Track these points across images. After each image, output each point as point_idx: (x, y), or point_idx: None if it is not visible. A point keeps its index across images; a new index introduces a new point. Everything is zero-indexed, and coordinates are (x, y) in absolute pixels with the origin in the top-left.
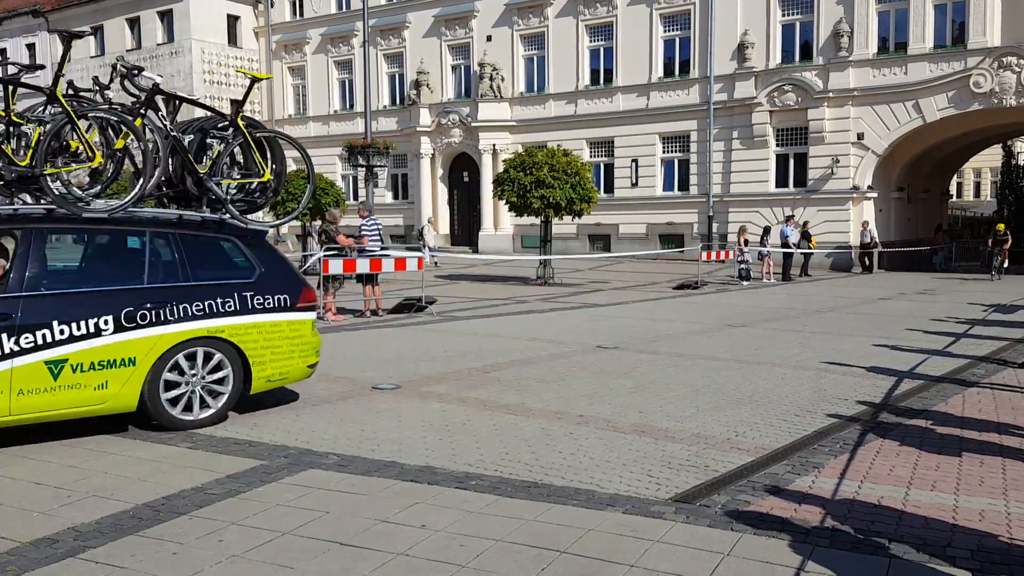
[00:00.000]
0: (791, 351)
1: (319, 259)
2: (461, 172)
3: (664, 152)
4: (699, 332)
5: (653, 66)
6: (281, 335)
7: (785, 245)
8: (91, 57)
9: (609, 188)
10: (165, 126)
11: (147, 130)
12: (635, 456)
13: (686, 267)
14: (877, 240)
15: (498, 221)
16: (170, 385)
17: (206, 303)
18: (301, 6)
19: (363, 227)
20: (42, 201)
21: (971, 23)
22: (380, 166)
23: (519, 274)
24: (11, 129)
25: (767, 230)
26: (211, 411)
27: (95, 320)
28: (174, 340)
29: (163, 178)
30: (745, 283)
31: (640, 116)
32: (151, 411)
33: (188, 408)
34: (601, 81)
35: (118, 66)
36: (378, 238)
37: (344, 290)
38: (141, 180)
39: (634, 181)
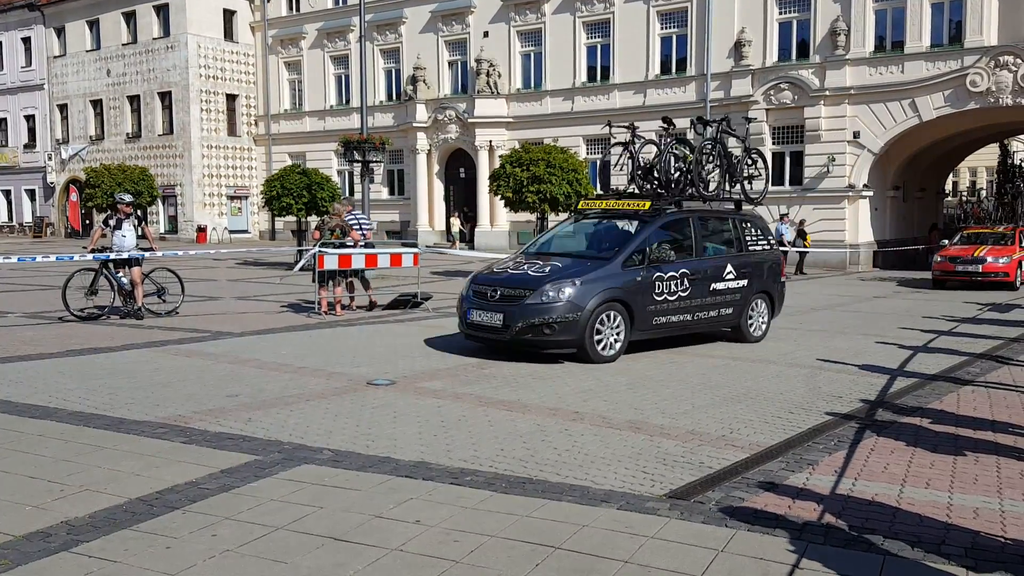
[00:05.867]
0: (786, 348)
1: (314, 255)
2: (457, 168)
3: None
4: None
5: (650, 63)
6: None
7: (780, 243)
8: (87, 51)
9: (605, 185)
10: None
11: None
12: (630, 452)
13: None
14: None
15: (494, 218)
16: None
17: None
18: (298, 1)
19: (358, 223)
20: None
21: (968, 22)
22: (376, 162)
23: None
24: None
25: None
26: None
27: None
28: None
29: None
30: None
31: (637, 113)
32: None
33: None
34: (598, 78)
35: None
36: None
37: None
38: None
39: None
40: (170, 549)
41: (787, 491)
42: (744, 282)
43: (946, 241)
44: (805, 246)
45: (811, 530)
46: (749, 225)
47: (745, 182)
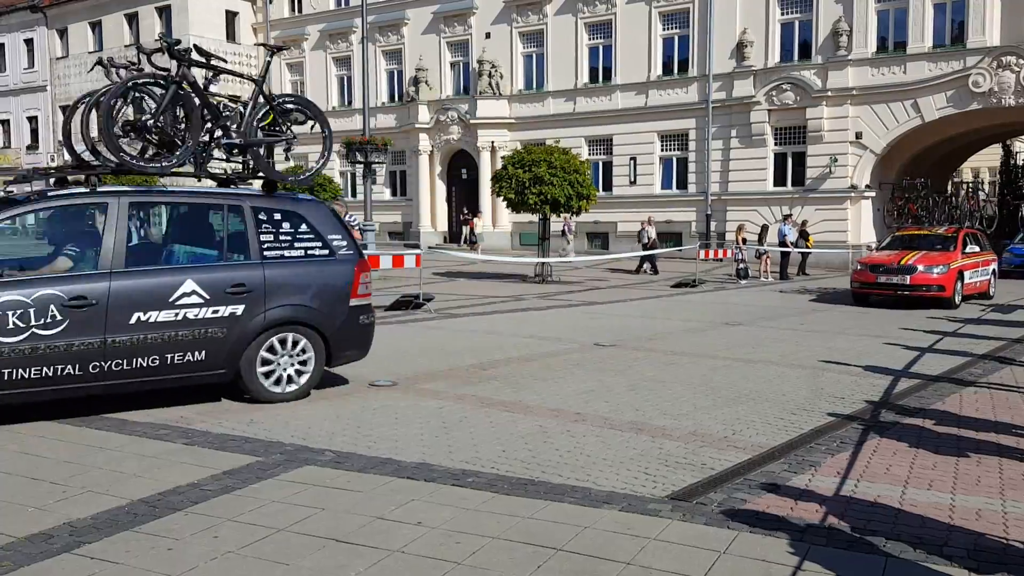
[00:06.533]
0: (788, 349)
1: None
2: (459, 169)
3: (662, 150)
4: (696, 330)
5: (652, 64)
6: None
7: (783, 244)
8: (89, 52)
9: (607, 186)
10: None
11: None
12: (632, 454)
13: (684, 265)
14: (655, 239)
15: (496, 219)
16: None
17: None
18: (300, 2)
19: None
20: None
21: (970, 22)
22: (378, 163)
23: (517, 271)
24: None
25: (765, 229)
26: None
27: None
28: None
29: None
30: (743, 282)
31: (639, 114)
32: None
33: None
34: (600, 79)
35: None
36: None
37: None
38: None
39: (632, 179)
40: (172, 550)
41: (789, 493)
42: (239, 308)
43: (873, 244)
44: (808, 247)
45: (813, 532)
46: (279, 219)
47: (266, 146)
